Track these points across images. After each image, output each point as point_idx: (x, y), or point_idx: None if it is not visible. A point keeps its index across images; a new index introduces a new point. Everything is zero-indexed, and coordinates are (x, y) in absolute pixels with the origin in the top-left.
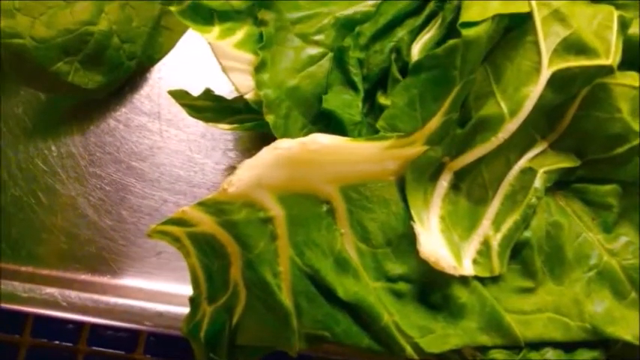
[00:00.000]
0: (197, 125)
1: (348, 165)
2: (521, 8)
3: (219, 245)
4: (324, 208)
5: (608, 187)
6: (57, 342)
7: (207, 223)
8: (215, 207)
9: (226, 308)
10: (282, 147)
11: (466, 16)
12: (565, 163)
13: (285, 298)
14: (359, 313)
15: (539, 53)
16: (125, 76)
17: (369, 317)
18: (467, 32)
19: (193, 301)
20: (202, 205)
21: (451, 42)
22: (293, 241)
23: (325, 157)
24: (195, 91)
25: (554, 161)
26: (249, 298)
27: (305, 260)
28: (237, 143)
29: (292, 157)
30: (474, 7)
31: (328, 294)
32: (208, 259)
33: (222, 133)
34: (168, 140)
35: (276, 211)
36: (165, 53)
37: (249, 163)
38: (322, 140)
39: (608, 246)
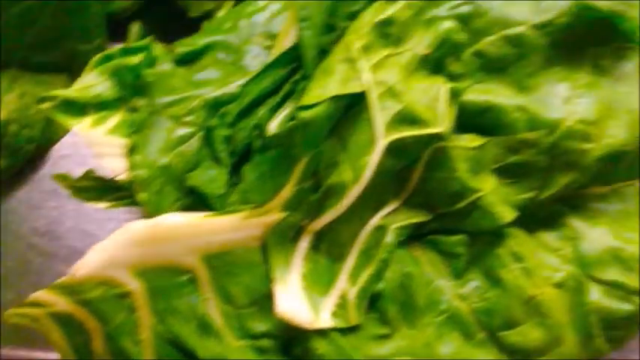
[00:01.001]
0: None
1: (207, 237)
2: (357, 88)
3: (78, 322)
4: (185, 277)
5: (456, 238)
6: None
7: (63, 304)
8: (68, 289)
9: None
10: (134, 228)
11: (305, 99)
12: (416, 218)
13: None
14: None
15: (375, 126)
16: (25, 158)
17: None
18: (304, 114)
19: None
20: (55, 287)
21: (290, 124)
22: (154, 310)
23: (181, 232)
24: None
25: (406, 217)
26: None
27: (167, 327)
28: (132, 214)
29: (145, 237)
30: (314, 89)
31: (191, 357)
32: (70, 335)
33: None
34: (66, 215)
35: (134, 285)
36: (65, 133)
37: (100, 245)
38: (175, 219)
39: (458, 291)
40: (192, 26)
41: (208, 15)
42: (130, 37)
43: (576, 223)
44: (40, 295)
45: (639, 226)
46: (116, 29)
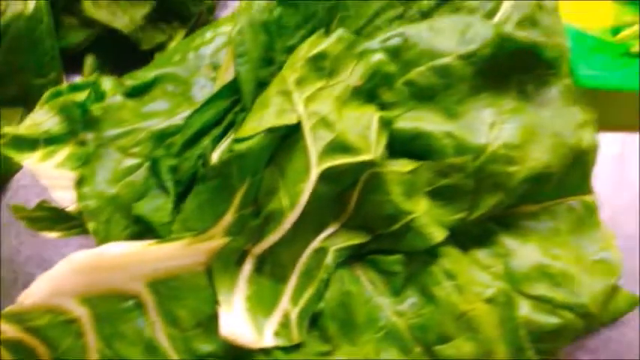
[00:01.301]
0: None
1: (152, 264)
2: (291, 120)
3: (28, 349)
4: (131, 302)
5: (393, 257)
6: None
7: (12, 331)
8: (17, 317)
9: None
10: (78, 258)
11: (240, 132)
12: (356, 239)
13: None
14: None
15: (309, 155)
16: None
17: None
18: (238, 147)
19: None
20: (5, 316)
21: (226, 156)
22: (101, 335)
23: (126, 260)
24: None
25: (345, 239)
26: None
27: (114, 351)
28: (89, 240)
29: (89, 266)
30: (250, 121)
31: None
32: None
33: None
34: (24, 244)
35: (80, 311)
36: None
37: (45, 275)
38: (118, 248)
39: (396, 308)
40: (146, 58)
41: (161, 47)
42: (85, 70)
43: (508, 241)
44: None
45: (568, 242)
46: (72, 62)
